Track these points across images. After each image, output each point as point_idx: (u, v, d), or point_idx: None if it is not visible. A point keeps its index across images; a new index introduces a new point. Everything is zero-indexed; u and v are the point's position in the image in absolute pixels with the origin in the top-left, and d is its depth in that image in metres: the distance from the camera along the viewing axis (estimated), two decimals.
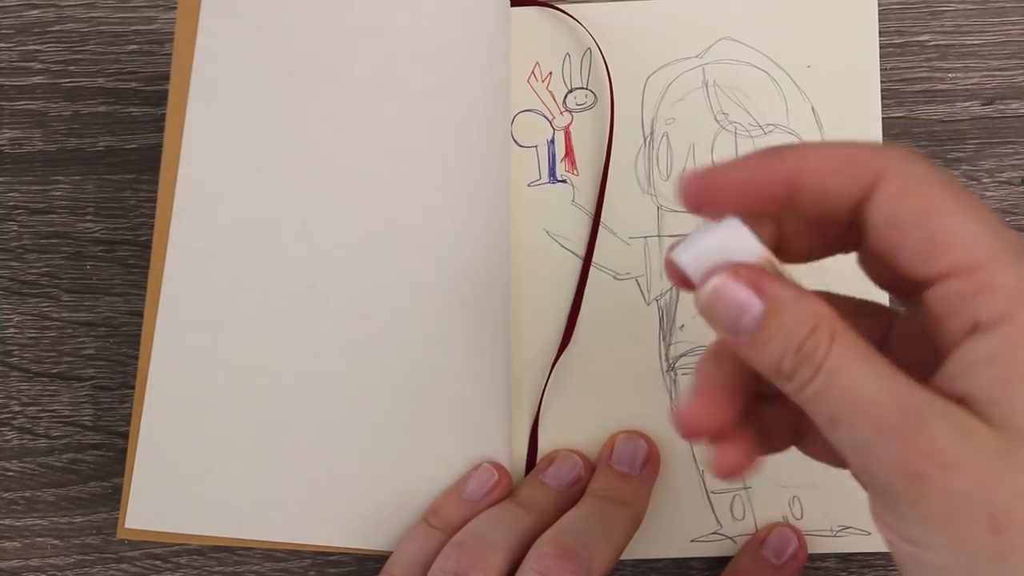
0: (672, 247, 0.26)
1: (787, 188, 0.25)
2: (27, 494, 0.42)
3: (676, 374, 0.40)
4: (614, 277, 0.41)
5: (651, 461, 0.39)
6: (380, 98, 0.39)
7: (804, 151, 0.25)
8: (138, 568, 0.42)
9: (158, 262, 0.39)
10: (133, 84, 0.43)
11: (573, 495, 0.38)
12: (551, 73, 0.41)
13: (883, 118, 0.40)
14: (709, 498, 0.40)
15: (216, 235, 0.39)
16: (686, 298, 0.40)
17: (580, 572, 0.34)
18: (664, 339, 0.40)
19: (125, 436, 0.42)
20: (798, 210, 0.25)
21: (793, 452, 0.40)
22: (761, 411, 0.28)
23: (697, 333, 0.40)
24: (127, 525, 0.39)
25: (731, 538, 0.40)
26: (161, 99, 0.42)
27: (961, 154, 0.42)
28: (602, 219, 0.41)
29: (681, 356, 0.40)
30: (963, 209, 0.24)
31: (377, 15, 0.39)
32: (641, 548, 0.40)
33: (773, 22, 0.41)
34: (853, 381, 0.23)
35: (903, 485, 0.22)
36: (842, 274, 0.40)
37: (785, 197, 0.25)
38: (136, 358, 0.39)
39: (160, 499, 0.39)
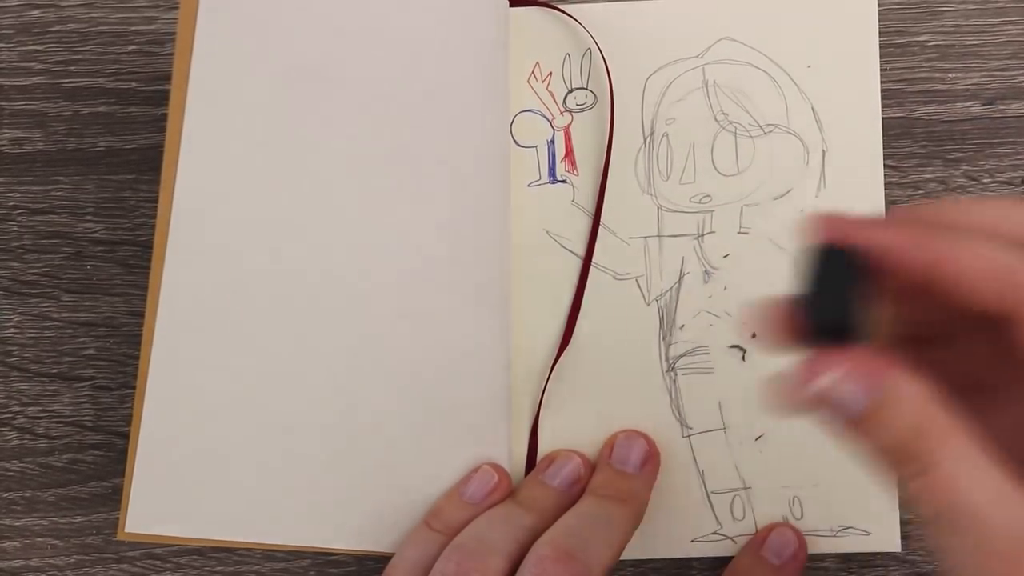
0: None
1: (924, 275, 0.23)
2: (27, 494, 0.42)
3: (676, 374, 0.40)
4: (614, 277, 0.41)
5: (651, 460, 0.39)
6: (379, 98, 0.39)
7: (955, 249, 0.23)
8: (138, 568, 0.42)
9: (158, 262, 0.39)
10: (133, 84, 0.43)
11: (573, 495, 0.38)
12: (551, 73, 0.41)
13: (883, 118, 0.40)
14: (709, 498, 0.40)
15: (216, 235, 0.39)
16: (686, 298, 0.40)
17: (579, 574, 0.34)
18: (664, 339, 0.40)
19: (125, 436, 0.42)
20: (920, 291, 0.24)
21: (793, 452, 0.40)
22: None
23: (697, 333, 0.40)
24: (127, 529, 0.39)
25: (731, 538, 0.40)
26: (161, 99, 0.42)
27: (961, 154, 0.42)
28: (602, 219, 0.41)
29: (681, 356, 0.40)
30: None
31: (376, 15, 0.39)
32: (641, 548, 0.40)
33: (773, 22, 0.41)
34: (961, 497, 0.22)
35: None
36: None
37: (919, 282, 0.24)
38: (136, 358, 0.39)
39: (160, 502, 0.39)
